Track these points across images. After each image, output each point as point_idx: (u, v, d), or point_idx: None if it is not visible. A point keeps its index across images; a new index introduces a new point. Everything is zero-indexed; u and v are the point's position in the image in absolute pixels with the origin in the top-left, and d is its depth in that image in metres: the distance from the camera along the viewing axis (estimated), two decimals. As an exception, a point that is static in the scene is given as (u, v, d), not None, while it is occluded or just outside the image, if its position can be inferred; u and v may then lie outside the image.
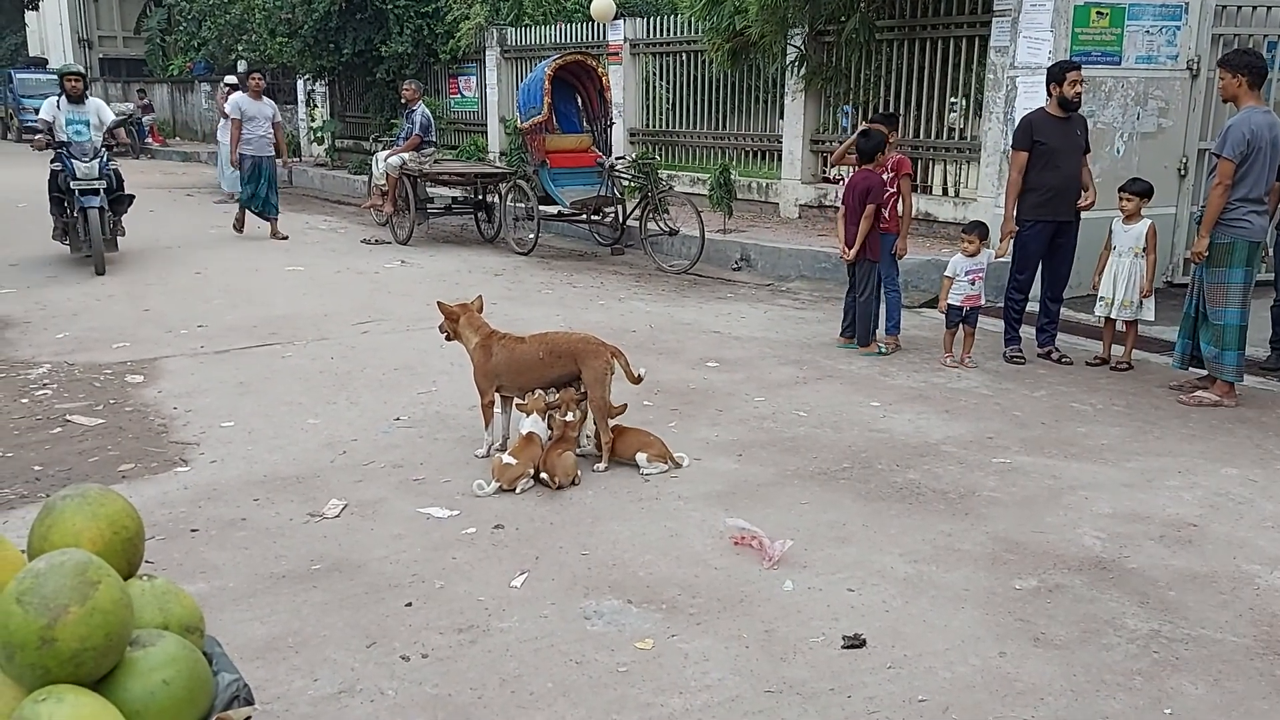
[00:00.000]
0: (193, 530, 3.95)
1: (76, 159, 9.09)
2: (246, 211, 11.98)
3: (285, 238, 11.59)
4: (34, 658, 1.68)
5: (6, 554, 1.86)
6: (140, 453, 4.78)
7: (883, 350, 6.65)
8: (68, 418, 5.25)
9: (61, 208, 9.49)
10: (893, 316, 6.76)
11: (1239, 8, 8.44)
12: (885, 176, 6.64)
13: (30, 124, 29.22)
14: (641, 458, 4.55)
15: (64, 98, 9.34)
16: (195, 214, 13.70)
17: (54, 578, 1.71)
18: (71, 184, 9.06)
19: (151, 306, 7.90)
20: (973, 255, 6.39)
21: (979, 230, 6.46)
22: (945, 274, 6.51)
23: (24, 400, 5.57)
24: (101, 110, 9.59)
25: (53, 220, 9.73)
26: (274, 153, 12.07)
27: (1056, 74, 6.40)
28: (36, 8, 33.87)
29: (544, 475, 4.37)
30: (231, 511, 4.13)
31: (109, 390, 5.76)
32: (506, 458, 4.37)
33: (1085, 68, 7.64)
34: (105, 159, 9.31)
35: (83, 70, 9.82)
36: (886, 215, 6.69)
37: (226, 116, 14.88)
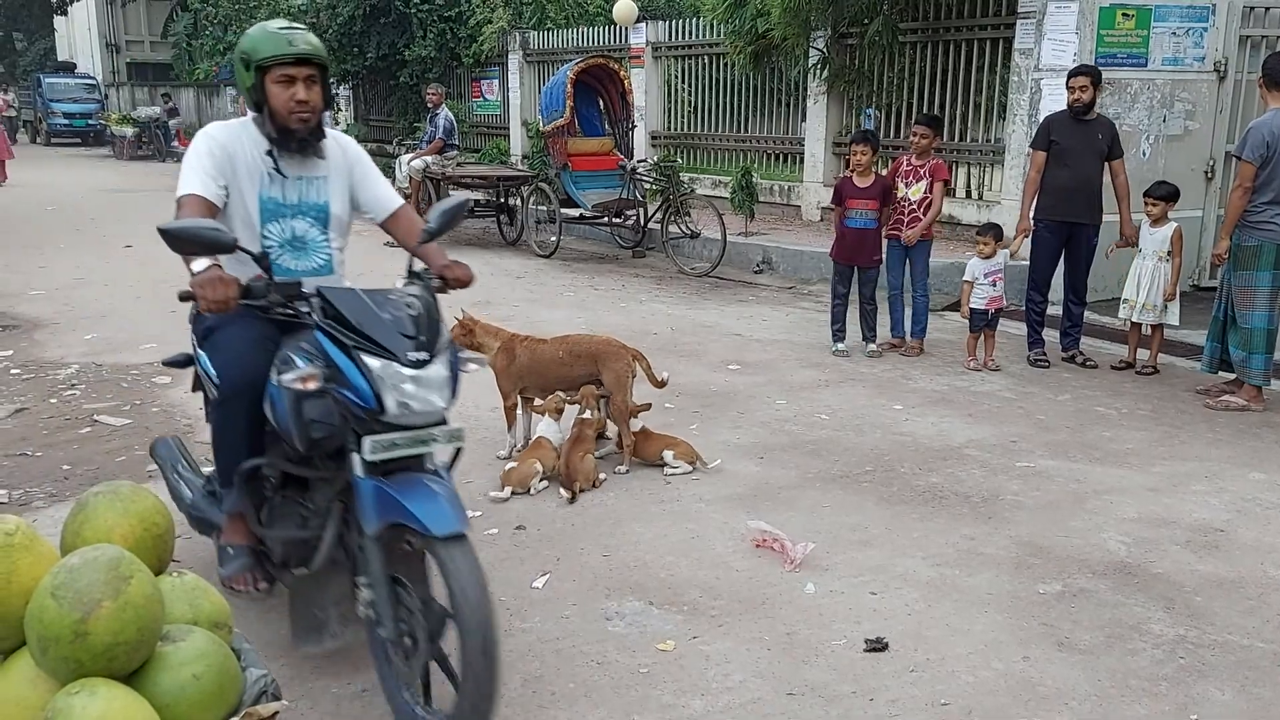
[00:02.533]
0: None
1: (383, 351, 2.53)
2: None
3: None
4: (67, 651, 1.71)
5: (40, 549, 1.90)
6: (167, 452, 4.83)
7: (836, 350, 6.69)
8: (96, 418, 5.31)
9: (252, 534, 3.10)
10: (919, 320, 6.73)
11: (1267, 9, 8.36)
12: (925, 182, 6.60)
13: (60, 128, 29.64)
14: (668, 454, 4.57)
15: (273, 145, 3.02)
16: (220, 216, 13.80)
17: (87, 573, 1.75)
18: (367, 448, 2.50)
19: (178, 308, 7.95)
20: (989, 257, 6.37)
21: (993, 232, 6.44)
22: (964, 279, 6.49)
23: (53, 400, 5.64)
24: (377, 194, 3.26)
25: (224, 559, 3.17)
26: None
27: (1067, 80, 6.49)
28: (65, 13, 34.30)
29: (562, 483, 4.37)
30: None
31: (136, 390, 5.82)
32: (510, 463, 4.42)
33: (1111, 69, 7.63)
34: (454, 350, 2.74)
35: (321, 53, 3.00)
36: (905, 220, 6.66)
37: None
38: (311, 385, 2.52)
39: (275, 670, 2.18)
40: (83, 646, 1.72)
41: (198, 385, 3.30)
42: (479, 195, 12.23)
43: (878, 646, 3.12)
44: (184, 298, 2.68)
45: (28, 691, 1.78)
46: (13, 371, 6.21)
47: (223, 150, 2.97)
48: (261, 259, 2.73)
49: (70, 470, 4.60)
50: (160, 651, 1.83)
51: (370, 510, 2.51)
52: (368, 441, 2.48)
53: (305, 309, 2.69)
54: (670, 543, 3.87)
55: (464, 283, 2.99)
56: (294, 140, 2.99)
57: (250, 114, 3.07)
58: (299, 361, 2.66)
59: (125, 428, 5.18)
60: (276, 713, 1.96)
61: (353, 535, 2.68)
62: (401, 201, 3.29)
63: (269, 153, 3.00)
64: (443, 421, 2.62)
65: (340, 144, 3.20)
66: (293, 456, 2.83)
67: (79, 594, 1.72)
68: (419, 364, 2.52)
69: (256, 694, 1.95)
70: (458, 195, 2.76)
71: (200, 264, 2.67)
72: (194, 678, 1.82)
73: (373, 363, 2.48)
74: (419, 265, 2.99)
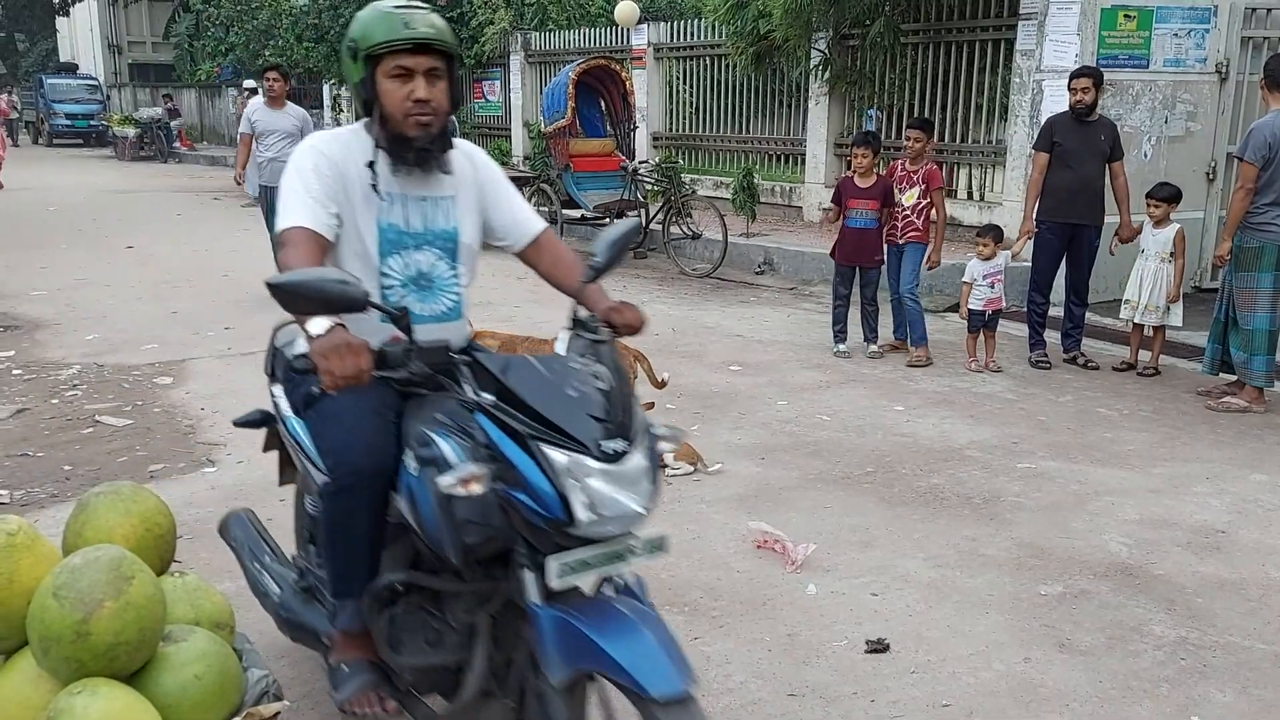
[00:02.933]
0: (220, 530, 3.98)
1: (570, 441, 1.93)
2: None
3: None
4: (69, 651, 1.71)
5: (42, 550, 1.90)
6: (168, 453, 4.83)
7: (838, 351, 6.71)
8: (97, 418, 5.32)
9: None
10: (916, 327, 6.61)
11: (1269, 10, 8.35)
12: (919, 188, 6.56)
13: (62, 129, 29.63)
14: (668, 456, 4.57)
15: (381, 154, 2.42)
16: (222, 217, 13.84)
17: (89, 573, 1.75)
18: (554, 572, 1.91)
19: (179, 308, 7.99)
20: (988, 259, 6.37)
21: (993, 233, 6.44)
22: (963, 280, 6.49)
23: (54, 401, 5.65)
24: (514, 216, 2.63)
25: None
26: None
27: (1069, 81, 6.50)
28: (67, 14, 34.35)
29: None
30: (258, 512, 4.15)
31: (138, 391, 5.83)
32: None
33: (1113, 70, 7.63)
34: (651, 431, 2.10)
35: (446, 38, 2.36)
36: (900, 225, 6.64)
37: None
38: (477, 489, 1.91)
39: (276, 671, 2.18)
40: (84, 646, 1.72)
41: (271, 445, 2.87)
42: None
43: (879, 647, 3.12)
44: (301, 370, 2.06)
45: (30, 691, 1.78)
46: (14, 372, 6.22)
47: (333, 168, 2.35)
48: (400, 317, 2.09)
49: (72, 471, 4.60)
50: (162, 652, 1.84)
51: (555, 652, 1.90)
52: (554, 564, 1.88)
53: (455, 380, 2.07)
54: (671, 543, 3.86)
55: (635, 328, 2.41)
56: (410, 150, 2.36)
57: (362, 119, 2.48)
58: (445, 447, 2.03)
59: (127, 428, 5.18)
60: (278, 713, 1.97)
61: (516, 663, 2.12)
62: (544, 225, 2.64)
63: (369, 164, 2.37)
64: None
65: (468, 155, 2.56)
66: (427, 559, 2.22)
67: (81, 594, 1.73)
68: (616, 456, 1.92)
69: (258, 694, 1.95)
70: (626, 220, 2.08)
71: (319, 324, 1.99)
72: (195, 678, 1.82)
73: (558, 457, 1.88)
74: (582, 312, 2.38)
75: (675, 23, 13.81)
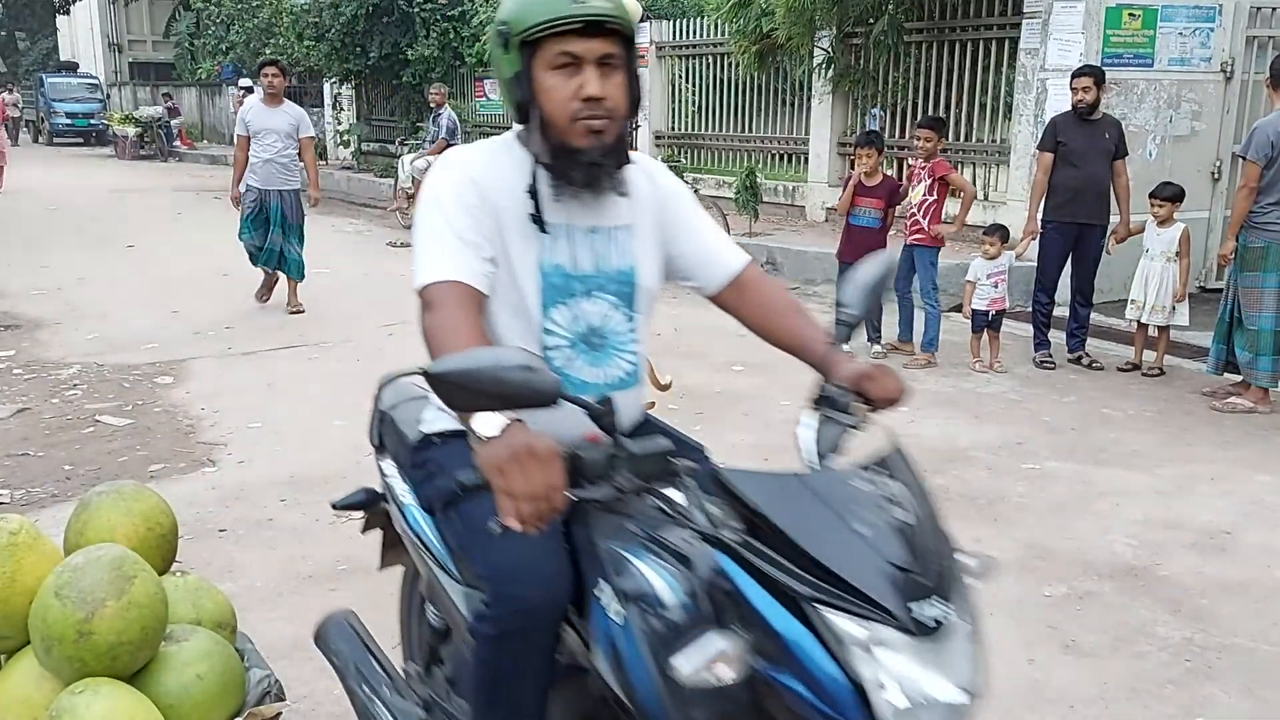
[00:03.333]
0: (220, 530, 3.98)
1: (864, 603, 1.31)
2: (265, 271, 8.09)
3: (301, 310, 7.90)
4: (71, 650, 1.71)
5: (44, 549, 1.89)
6: (169, 453, 4.83)
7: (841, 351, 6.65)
8: (98, 418, 5.31)
9: None
10: (929, 331, 6.55)
11: (1274, 9, 8.34)
12: (925, 183, 6.54)
13: (63, 128, 29.63)
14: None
15: (542, 174, 1.80)
16: (222, 216, 13.80)
17: (91, 572, 1.74)
18: None
19: (180, 308, 7.98)
20: (993, 258, 6.35)
21: (999, 233, 6.43)
22: (966, 279, 6.48)
23: (55, 400, 5.64)
24: (705, 246, 2.08)
25: None
26: (295, 184, 7.94)
27: (1071, 80, 6.49)
28: (67, 12, 34.37)
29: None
30: (258, 512, 4.16)
31: (138, 391, 5.82)
32: None
33: (1117, 69, 7.62)
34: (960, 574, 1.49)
35: (624, 16, 1.75)
36: (907, 224, 6.63)
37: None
38: (729, 676, 1.32)
39: (278, 671, 2.17)
40: (86, 646, 1.71)
41: (373, 524, 2.37)
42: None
43: (883, 648, 3.10)
44: (470, 487, 1.45)
45: (32, 691, 1.77)
46: (14, 371, 6.21)
47: (481, 196, 1.76)
48: (605, 412, 1.51)
49: (72, 470, 4.59)
50: (164, 651, 1.83)
51: None
52: None
53: (683, 502, 1.53)
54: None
55: (894, 401, 1.85)
56: (578, 167, 1.76)
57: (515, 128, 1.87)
58: (656, 580, 1.46)
59: (127, 428, 5.17)
60: (279, 713, 1.96)
61: None
62: (747, 260, 2.06)
63: (530, 190, 1.78)
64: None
65: (647, 173, 1.95)
66: (610, 708, 1.55)
67: (83, 593, 1.72)
68: (931, 626, 1.31)
69: (260, 694, 1.94)
70: (879, 255, 1.52)
71: (492, 423, 1.42)
72: (198, 678, 1.81)
73: (851, 631, 1.29)
74: (830, 385, 1.87)
75: (678, 21, 13.80)
